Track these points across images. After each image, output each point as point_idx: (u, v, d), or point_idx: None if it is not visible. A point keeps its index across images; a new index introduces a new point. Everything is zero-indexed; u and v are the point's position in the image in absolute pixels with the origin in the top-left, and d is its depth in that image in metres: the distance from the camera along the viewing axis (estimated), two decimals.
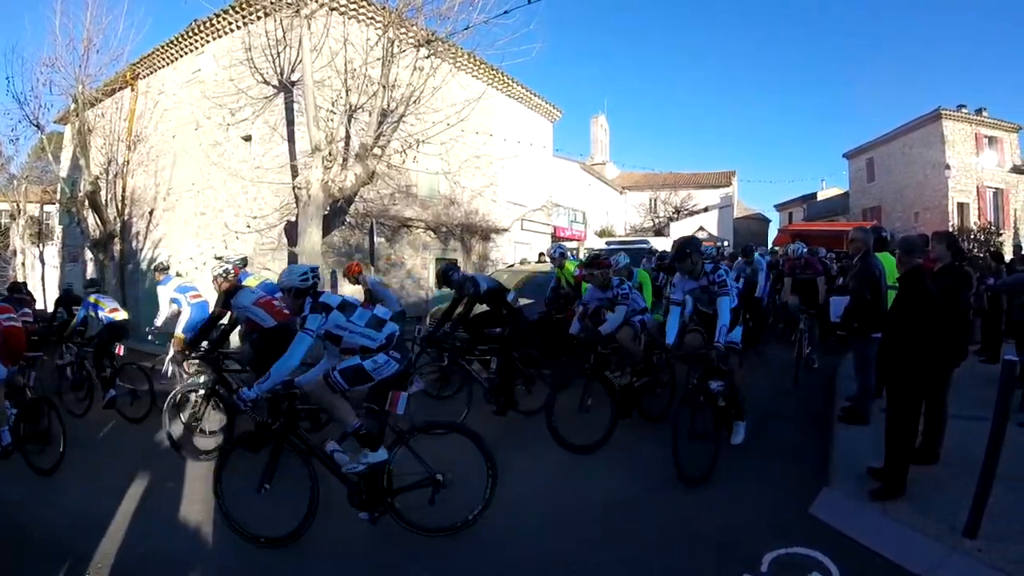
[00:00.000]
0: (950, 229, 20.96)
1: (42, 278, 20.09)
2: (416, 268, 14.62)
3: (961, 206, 24.90)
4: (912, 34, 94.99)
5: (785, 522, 3.78)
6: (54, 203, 20.75)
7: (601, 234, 27.21)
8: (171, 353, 7.45)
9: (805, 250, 9.18)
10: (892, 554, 3.32)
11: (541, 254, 15.38)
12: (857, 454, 4.55)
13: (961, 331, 4.64)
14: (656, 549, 3.60)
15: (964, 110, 25.74)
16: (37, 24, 36.39)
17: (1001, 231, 24.04)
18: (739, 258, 10.23)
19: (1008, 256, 13.67)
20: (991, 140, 25.82)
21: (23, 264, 21.53)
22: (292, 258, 10.82)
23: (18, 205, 21.54)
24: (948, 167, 24.27)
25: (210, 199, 13.98)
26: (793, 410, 6.41)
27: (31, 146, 19.87)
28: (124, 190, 15.64)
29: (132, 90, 16.04)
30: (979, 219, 24.42)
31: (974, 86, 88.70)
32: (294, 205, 10.23)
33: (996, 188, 25.56)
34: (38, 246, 22.77)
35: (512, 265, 14.33)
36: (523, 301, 8.40)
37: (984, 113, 25.88)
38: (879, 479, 3.97)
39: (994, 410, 3.34)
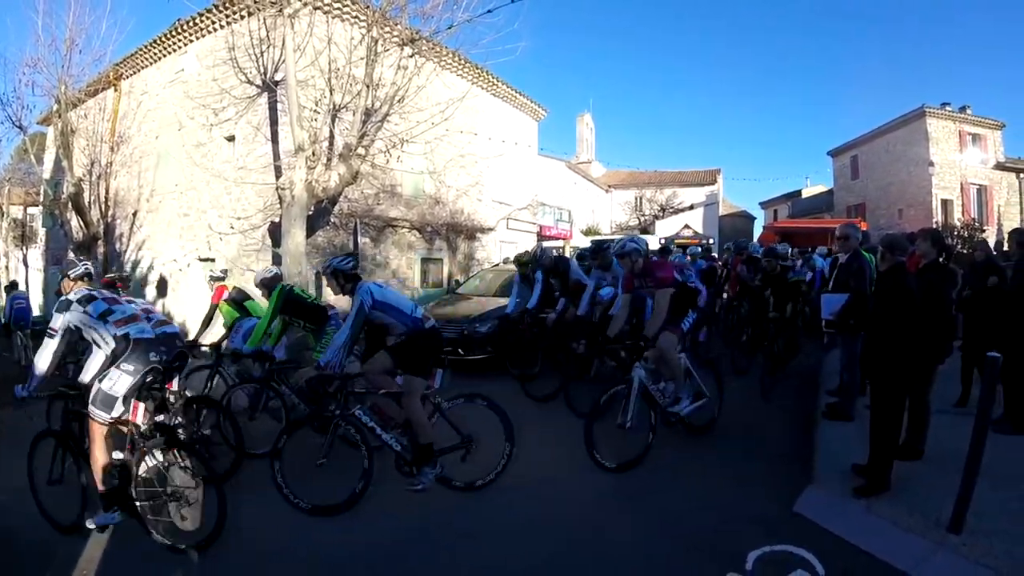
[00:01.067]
0: (934, 226, 21.12)
1: (26, 281, 19.84)
2: (401, 268, 14.54)
3: (945, 203, 25.13)
4: (897, 34, 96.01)
5: (770, 520, 3.77)
6: (37, 205, 20.55)
7: (587, 232, 27.25)
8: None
9: (636, 245, 5.33)
10: (877, 550, 3.32)
11: (525, 253, 15.15)
12: (842, 451, 4.55)
13: (945, 328, 4.65)
14: (640, 548, 3.58)
15: (948, 108, 25.96)
16: (19, 25, 36.18)
17: (985, 227, 24.23)
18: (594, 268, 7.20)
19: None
20: (975, 137, 26.06)
21: (7, 267, 21.33)
22: (276, 259, 10.73)
23: (1, 207, 21.34)
24: (932, 164, 24.50)
25: (193, 200, 13.84)
26: (776, 408, 6.40)
27: (14, 147, 19.74)
28: (107, 192, 15.45)
29: (115, 90, 15.86)
30: (963, 216, 24.65)
31: (958, 84, 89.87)
32: (278, 206, 10.14)
33: (980, 185, 25.81)
34: (21, 249, 22.55)
35: (496, 264, 14.29)
36: (501, 301, 8.24)
37: (968, 111, 26.12)
38: (863, 476, 3.97)
39: (978, 406, 3.35)
